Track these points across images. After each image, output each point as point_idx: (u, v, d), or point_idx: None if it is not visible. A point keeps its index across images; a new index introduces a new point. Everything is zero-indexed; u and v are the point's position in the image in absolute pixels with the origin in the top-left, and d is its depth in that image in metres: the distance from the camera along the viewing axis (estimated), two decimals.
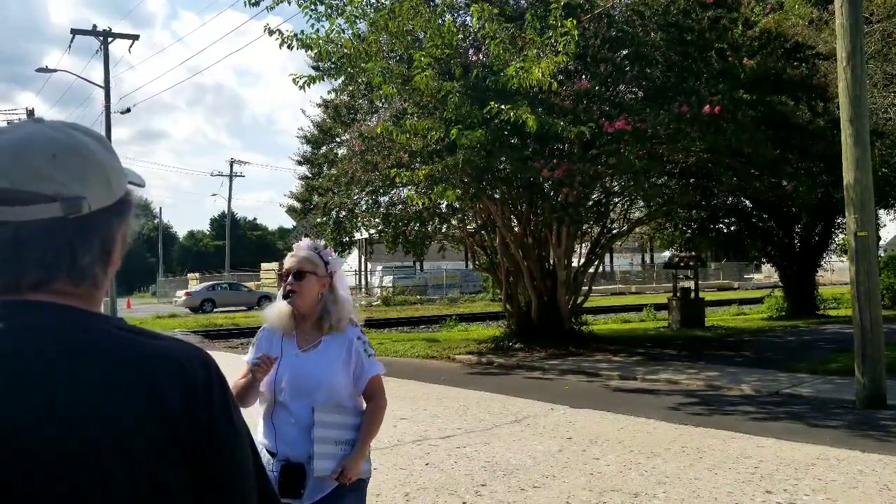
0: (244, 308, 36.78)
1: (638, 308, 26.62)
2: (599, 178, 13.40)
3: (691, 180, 15.54)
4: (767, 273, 44.15)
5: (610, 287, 44.71)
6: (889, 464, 6.13)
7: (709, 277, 45.93)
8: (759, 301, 25.99)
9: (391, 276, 42.34)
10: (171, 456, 0.97)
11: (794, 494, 5.39)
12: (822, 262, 22.22)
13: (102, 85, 30.78)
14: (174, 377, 0.99)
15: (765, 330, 18.00)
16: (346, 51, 11.65)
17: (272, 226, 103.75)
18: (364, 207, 16.07)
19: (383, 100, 14.01)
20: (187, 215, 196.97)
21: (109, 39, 31.05)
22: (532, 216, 15.31)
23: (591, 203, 15.02)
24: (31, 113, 44.73)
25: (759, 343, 15.13)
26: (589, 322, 17.38)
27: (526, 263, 15.26)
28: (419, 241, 16.34)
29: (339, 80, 14.34)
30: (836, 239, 21.49)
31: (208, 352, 1.09)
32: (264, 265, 56.63)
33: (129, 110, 32.28)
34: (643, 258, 55.59)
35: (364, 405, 2.97)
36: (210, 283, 42.51)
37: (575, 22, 9.87)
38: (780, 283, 22.71)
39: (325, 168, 18.42)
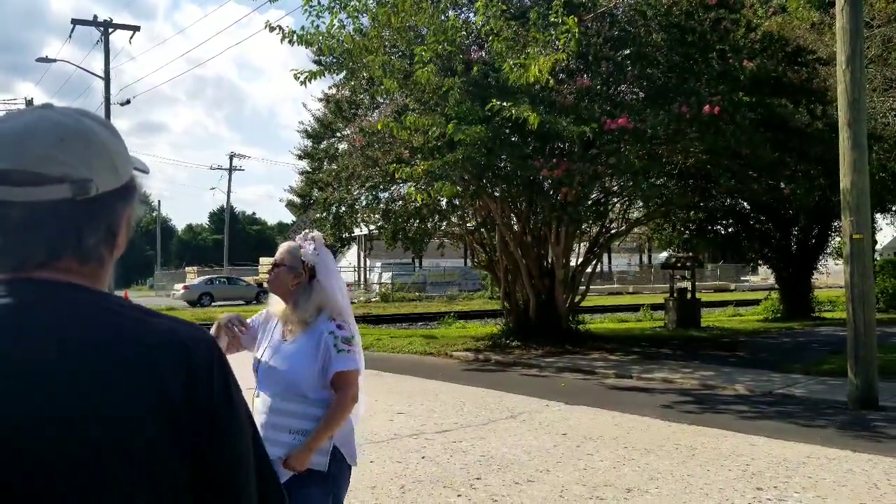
0: (242, 302, 36.81)
1: (635, 308, 26.69)
2: (599, 177, 13.45)
3: (690, 181, 15.60)
4: (764, 275, 44.29)
5: (607, 287, 44.79)
6: (879, 463, 6.21)
7: (706, 278, 45.99)
8: (755, 303, 26.07)
9: (390, 273, 42.38)
10: (172, 436, 0.98)
11: (783, 492, 5.47)
12: (819, 265, 22.31)
13: (102, 76, 30.79)
14: (176, 356, 1.00)
15: (760, 331, 18.08)
16: (347, 46, 11.70)
17: (271, 220, 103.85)
18: (364, 203, 16.12)
19: (384, 95, 14.06)
20: (186, 209, 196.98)
21: (110, 30, 31.05)
22: (531, 215, 15.37)
23: (590, 202, 15.08)
24: (29, 103, 44.68)
25: (753, 344, 15.20)
26: (586, 321, 17.46)
27: (525, 262, 15.33)
28: (418, 237, 16.38)
29: (341, 76, 14.39)
30: (832, 242, 21.57)
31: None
32: (263, 260, 56.55)
33: (128, 102, 32.27)
34: (641, 258, 55.65)
35: None
36: (208, 276, 42.55)
37: (576, 20, 9.92)
38: (776, 286, 22.79)
39: (325, 163, 18.42)
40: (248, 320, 3.21)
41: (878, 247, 25.01)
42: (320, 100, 19.66)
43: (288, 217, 69.02)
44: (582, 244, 17.82)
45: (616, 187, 15.52)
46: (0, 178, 0.97)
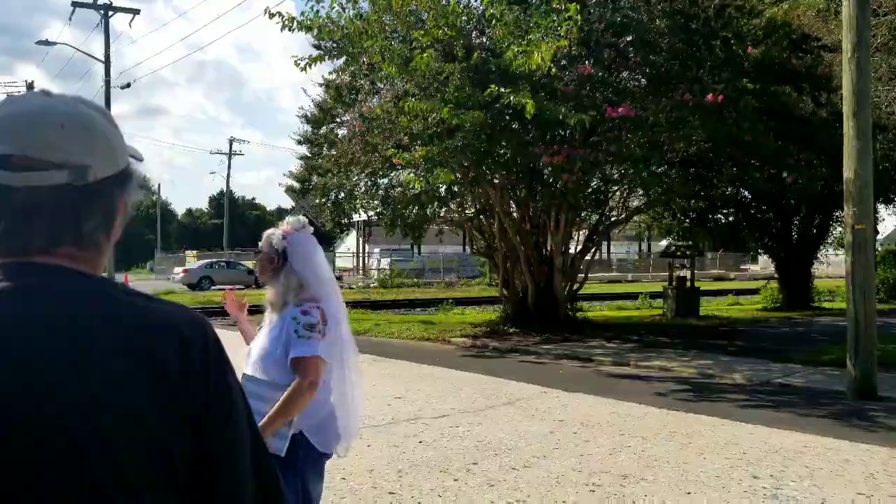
0: (242, 286, 36.76)
1: (633, 296, 26.66)
2: (599, 165, 13.40)
3: (691, 170, 15.55)
4: (764, 264, 44.25)
5: (607, 275, 44.78)
6: (876, 454, 6.19)
7: (705, 267, 46.00)
8: (754, 292, 26.05)
9: (389, 259, 42.36)
10: (169, 420, 0.99)
11: (780, 481, 5.45)
12: (819, 255, 22.25)
13: (103, 59, 30.68)
14: (172, 341, 1.02)
15: (759, 320, 18.07)
16: (346, 30, 11.62)
17: (271, 205, 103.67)
18: (363, 189, 16.08)
19: (384, 80, 13.99)
20: (186, 193, 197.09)
21: (110, 13, 30.91)
22: (531, 202, 15.33)
23: (590, 190, 15.04)
24: (30, 86, 44.55)
25: (752, 333, 15.19)
26: (584, 309, 17.44)
27: (523, 249, 15.30)
28: (417, 224, 16.34)
29: (341, 61, 14.32)
30: (833, 232, 21.51)
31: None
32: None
33: (129, 85, 32.19)
34: (640, 247, 55.64)
35: None
36: (208, 260, 42.51)
37: (578, 7, 9.85)
38: (775, 275, 22.76)
39: (324, 148, 18.35)
40: None
41: (879, 237, 24.97)
42: (320, 85, 19.54)
43: (287, 202, 68.92)
44: (581, 232, 17.79)
45: (616, 175, 15.46)
46: (2, 162, 1.00)
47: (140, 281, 44.59)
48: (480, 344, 13.64)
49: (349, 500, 5.08)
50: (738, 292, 27.77)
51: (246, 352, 3.10)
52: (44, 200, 1.00)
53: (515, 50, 9.88)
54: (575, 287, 16.58)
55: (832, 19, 13.86)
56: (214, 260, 42.35)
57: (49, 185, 1.00)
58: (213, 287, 36.51)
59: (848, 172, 8.79)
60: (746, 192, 19.54)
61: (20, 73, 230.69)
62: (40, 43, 31.58)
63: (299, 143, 22.26)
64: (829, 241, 22.03)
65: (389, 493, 5.22)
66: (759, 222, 21.26)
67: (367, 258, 46.07)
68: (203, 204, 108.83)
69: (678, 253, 20.02)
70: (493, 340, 13.93)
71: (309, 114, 20.75)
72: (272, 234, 3.11)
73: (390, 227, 16.47)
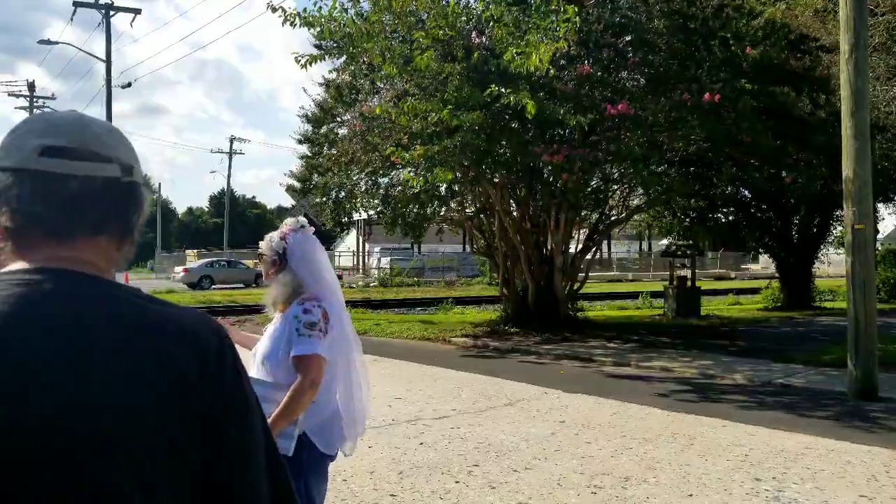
0: (242, 285, 36.82)
1: (634, 296, 26.67)
2: (599, 164, 13.40)
3: (691, 169, 15.54)
4: (765, 264, 44.25)
5: (607, 274, 44.81)
6: (877, 455, 6.19)
7: (706, 266, 46.03)
8: (755, 291, 26.05)
9: (389, 258, 42.37)
10: (187, 426, 1.00)
11: (782, 482, 5.46)
12: (820, 255, 22.23)
13: (104, 58, 30.66)
14: (189, 347, 1.04)
15: (760, 320, 18.07)
16: (348, 30, 11.61)
17: (271, 204, 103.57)
18: (363, 188, 16.08)
19: (385, 80, 13.99)
20: (186, 192, 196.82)
21: (111, 13, 30.89)
22: (531, 201, 15.33)
23: (590, 189, 15.04)
24: (31, 85, 44.59)
25: (753, 333, 15.19)
26: (585, 308, 17.44)
27: (524, 248, 15.29)
28: (418, 223, 16.34)
29: (341, 60, 14.31)
30: (833, 231, 21.50)
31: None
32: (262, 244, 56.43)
33: (129, 85, 32.18)
34: (641, 246, 55.65)
35: None
36: (208, 259, 42.50)
37: (577, 9, 9.85)
38: (776, 274, 22.76)
39: (325, 148, 18.35)
40: None
41: (879, 236, 24.97)
42: (320, 84, 19.56)
43: (288, 201, 68.87)
44: (581, 231, 17.78)
45: (616, 174, 15.46)
46: (62, 153, 1.06)
47: (140, 280, 44.57)
48: (481, 344, 13.64)
49: (350, 503, 5.08)
50: (739, 292, 27.79)
51: (251, 353, 3.11)
52: (97, 190, 1.07)
53: (513, 52, 9.87)
54: (575, 286, 16.58)
55: (830, 20, 13.85)
56: (215, 259, 42.34)
57: (102, 176, 1.08)
58: (213, 286, 36.51)
59: (847, 172, 8.79)
60: (746, 192, 19.53)
61: (21, 72, 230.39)
62: (42, 42, 31.63)
63: (300, 142, 22.28)
64: (830, 241, 22.02)
65: (391, 495, 5.22)
66: (760, 221, 21.25)
67: (367, 257, 46.11)
68: (204, 203, 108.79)
69: (679, 252, 20.01)
70: (494, 340, 13.93)
71: (309, 113, 20.76)
72: (271, 237, 3.15)
73: (390, 227, 16.47)
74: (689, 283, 19.18)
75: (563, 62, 12.49)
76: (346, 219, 17.37)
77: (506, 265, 16.22)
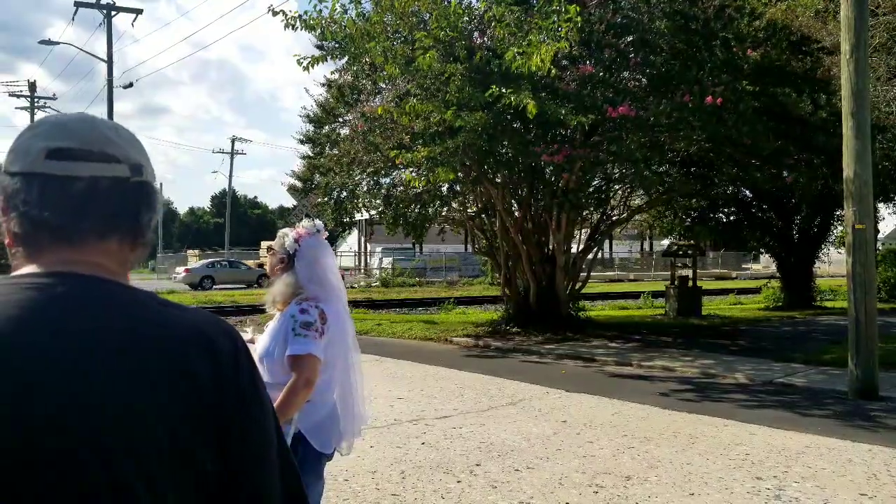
0: (243, 286, 36.84)
1: (635, 295, 26.70)
2: (600, 164, 13.42)
3: (692, 169, 15.56)
4: (766, 263, 44.28)
5: (608, 274, 44.80)
6: (878, 454, 6.22)
7: (707, 266, 46.03)
8: (756, 291, 26.07)
9: (391, 258, 42.37)
10: (202, 429, 1.01)
11: (783, 481, 5.48)
12: (820, 254, 22.26)
13: (105, 59, 30.70)
14: (204, 351, 1.04)
15: (761, 320, 18.08)
16: (349, 31, 11.64)
17: (273, 204, 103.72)
18: (365, 188, 16.11)
19: (386, 81, 14.01)
20: (188, 192, 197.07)
21: (113, 13, 30.93)
22: (532, 201, 15.34)
23: (591, 189, 15.05)
24: (32, 85, 44.61)
25: (754, 332, 15.21)
26: (586, 308, 17.46)
27: (525, 248, 15.31)
28: (419, 223, 16.35)
29: (343, 61, 14.33)
30: (834, 231, 21.52)
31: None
32: (264, 243, 56.58)
33: (131, 85, 32.23)
34: (642, 246, 55.65)
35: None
36: (210, 260, 42.52)
37: (578, 9, 9.86)
38: (777, 274, 22.78)
39: (326, 148, 18.40)
40: None
41: (880, 236, 24.98)
42: (322, 85, 19.64)
43: (289, 201, 68.93)
44: (583, 231, 17.80)
45: (618, 174, 15.48)
46: (69, 154, 1.06)
47: (142, 281, 44.60)
48: (483, 344, 13.67)
49: (352, 502, 5.11)
50: (740, 291, 27.81)
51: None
52: (105, 191, 1.06)
53: (514, 52, 9.88)
54: (577, 286, 16.59)
55: (831, 20, 13.86)
56: (216, 259, 42.36)
57: (110, 177, 1.07)
58: (214, 287, 36.53)
59: (847, 172, 8.82)
60: (747, 192, 19.55)
61: (23, 72, 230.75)
62: (43, 42, 31.66)
63: (302, 142, 22.45)
64: (831, 240, 22.05)
65: (392, 494, 5.25)
66: (761, 221, 21.27)
67: (368, 257, 46.11)
68: (205, 203, 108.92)
69: (680, 252, 20.03)
70: (496, 340, 13.96)
71: (311, 113, 20.90)
72: (286, 235, 3.18)
73: (392, 227, 16.48)
74: (690, 282, 19.20)
75: (564, 62, 12.51)
76: (347, 219, 17.38)
77: (507, 265, 16.24)
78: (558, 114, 10.99)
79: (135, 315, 1.04)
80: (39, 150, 1.05)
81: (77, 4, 30.72)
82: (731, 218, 21.21)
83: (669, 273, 20.70)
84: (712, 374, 10.32)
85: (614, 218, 17.46)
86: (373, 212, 17.17)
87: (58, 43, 31.54)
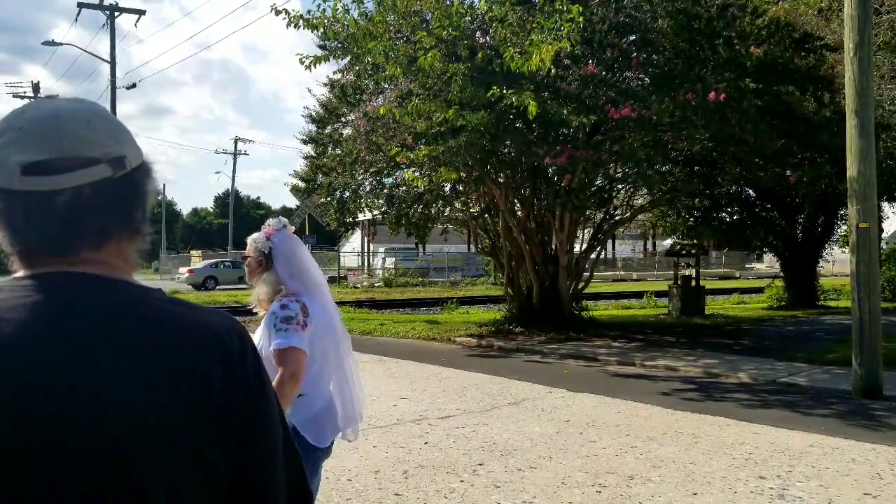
0: (246, 286, 36.85)
1: (638, 295, 26.67)
2: (603, 164, 13.40)
3: (695, 168, 15.52)
4: (769, 263, 44.16)
5: (611, 273, 44.77)
6: (882, 453, 6.20)
7: (710, 266, 45.93)
8: (759, 290, 26.02)
9: (393, 258, 42.38)
10: (211, 428, 1.00)
11: (786, 481, 5.47)
12: (824, 253, 22.21)
13: (108, 59, 30.74)
14: (213, 349, 1.03)
15: (764, 319, 18.04)
16: (351, 30, 11.64)
17: (275, 205, 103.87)
18: (368, 188, 16.11)
19: (389, 81, 14.01)
20: (191, 192, 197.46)
21: (116, 14, 30.98)
22: (535, 201, 15.33)
23: (594, 189, 15.03)
24: (36, 86, 44.69)
25: (758, 332, 15.18)
26: (589, 308, 17.44)
27: (528, 248, 15.30)
28: (422, 223, 16.36)
29: (346, 60, 14.33)
30: (838, 230, 21.48)
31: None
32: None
33: (134, 86, 32.31)
34: (645, 245, 55.56)
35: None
36: (213, 260, 42.57)
37: (581, 9, 9.85)
38: (781, 273, 22.74)
39: (329, 148, 18.40)
40: None
41: (884, 235, 24.93)
42: (325, 85, 19.63)
43: (292, 201, 69.02)
44: (586, 231, 17.79)
45: (620, 174, 15.46)
46: (46, 168, 1.00)
47: (145, 281, 44.49)
48: (485, 343, 13.66)
49: (355, 502, 5.10)
50: (744, 291, 27.76)
51: None
52: (89, 198, 1.01)
53: (512, 52, 9.86)
54: (580, 286, 16.57)
55: (834, 18, 13.84)
56: (219, 260, 42.41)
57: (91, 182, 1.01)
58: (217, 287, 36.57)
59: (851, 171, 8.79)
60: (751, 191, 19.51)
61: (26, 72, 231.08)
62: (46, 43, 31.65)
63: (304, 142, 22.44)
64: (835, 240, 22.01)
65: (395, 494, 5.24)
66: (764, 221, 21.22)
67: (371, 257, 46.09)
68: (208, 203, 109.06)
69: (683, 252, 20.00)
70: (498, 340, 13.95)
71: (314, 113, 20.88)
72: (256, 239, 3.22)
73: (394, 227, 16.49)
74: (693, 282, 19.17)
75: (567, 62, 12.49)
76: (350, 219, 17.39)
77: (510, 265, 16.23)
78: (560, 114, 10.98)
79: (139, 314, 1.02)
80: (13, 165, 0.99)
81: (80, 5, 30.78)
82: (735, 217, 21.15)
83: (673, 273, 20.67)
84: (715, 374, 10.30)
85: (617, 217, 17.45)
86: (375, 212, 17.18)
87: (61, 44, 31.55)
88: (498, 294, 22.51)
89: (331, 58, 12.80)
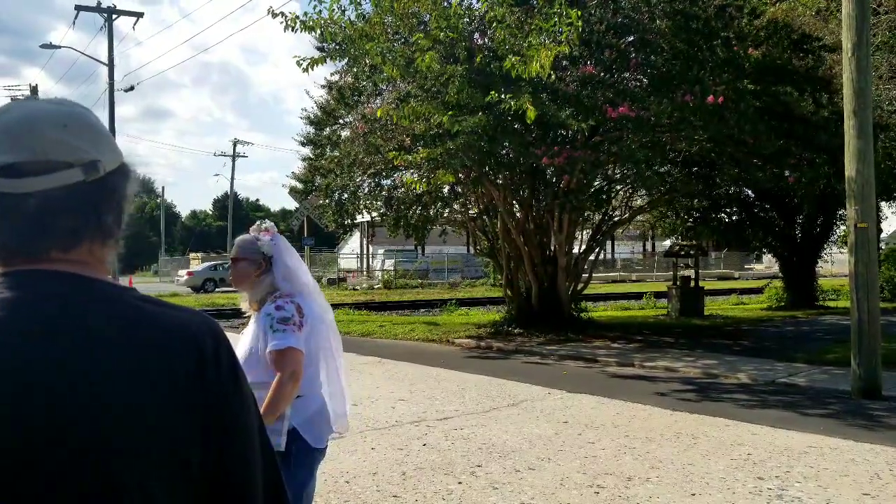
0: None
1: (638, 296, 26.66)
2: (601, 165, 13.39)
3: (694, 169, 15.52)
4: (768, 263, 44.18)
5: (610, 274, 44.76)
6: (881, 453, 6.19)
7: (709, 266, 45.95)
8: (759, 291, 26.01)
9: (393, 260, 42.37)
10: (188, 428, 1.01)
11: (785, 481, 5.46)
12: (823, 254, 22.21)
13: (107, 62, 30.74)
14: (187, 346, 1.03)
15: (764, 320, 18.04)
16: (348, 32, 11.63)
17: (274, 207, 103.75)
18: (366, 190, 16.10)
19: (387, 82, 14.00)
20: (190, 195, 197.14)
21: (114, 16, 30.98)
22: (534, 202, 15.33)
23: (592, 190, 15.02)
24: (34, 89, 44.69)
25: (757, 332, 15.18)
26: (588, 309, 17.43)
27: (527, 249, 15.30)
28: (421, 225, 16.36)
29: (344, 62, 14.33)
30: (837, 230, 21.48)
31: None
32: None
33: (132, 88, 32.28)
34: (644, 246, 55.58)
35: None
36: (212, 262, 42.54)
37: (580, 13, 9.84)
38: (780, 274, 22.74)
39: (327, 150, 18.41)
40: None
41: (882, 235, 24.92)
42: (323, 86, 19.66)
43: (291, 203, 69.03)
44: (585, 232, 17.78)
45: (619, 175, 15.46)
46: (18, 170, 1.00)
47: (144, 284, 44.63)
48: (484, 345, 13.65)
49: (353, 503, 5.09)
50: (743, 291, 27.74)
51: None
52: (61, 201, 1.01)
53: (511, 60, 9.85)
54: (579, 287, 16.57)
55: (832, 19, 13.85)
56: (219, 262, 42.36)
57: (63, 186, 1.00)
58: (217, 289, 36.55)
59: (850, 171, 8.79)
60: (749, 192, 19.52)
61: (25, 75, 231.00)
62: (44, 46, 31.60)
63: (303, 144, 22.42)
64: (833, 240, 22.00)
65: (393, 496, 5.23)
66: (763, 221, 21.22)
67: (370, 259, 46.08)
68: (207, 206, 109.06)
69: (682, 252, 20.00)
70: (498, 341, 13.94)
71: (312, 115, 20.88)
72: (251, 240, 3.19)
73: (393, 228, 16.48)
74: (692, 283, 19.17)
75: (565, 63, 12.49)
76: (349, 221, 17.39)
77: (509, 266, 16.23)
78: (558, 117, 10.97)
79: (121, 313, 1.02)
80: None
81: (78, 8, 30.77)
82: (734, 218, 21.16)
83: (671, 273, 20.67)
84: (714, 375, 10.29)
85: (616, 218, 17.45)
86: (374, 214, 17.18)
87: (59, 46, 31.53)
88: (497, 295, 22.52)
89: (328, 60, 12.79)
